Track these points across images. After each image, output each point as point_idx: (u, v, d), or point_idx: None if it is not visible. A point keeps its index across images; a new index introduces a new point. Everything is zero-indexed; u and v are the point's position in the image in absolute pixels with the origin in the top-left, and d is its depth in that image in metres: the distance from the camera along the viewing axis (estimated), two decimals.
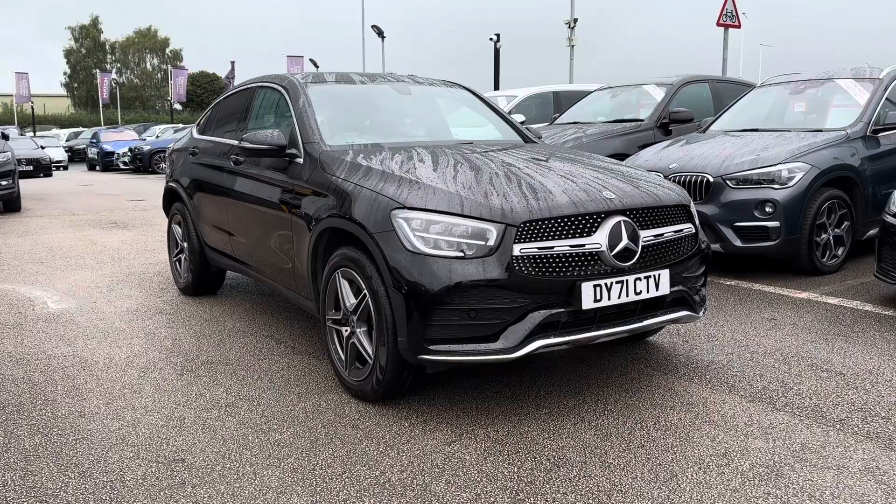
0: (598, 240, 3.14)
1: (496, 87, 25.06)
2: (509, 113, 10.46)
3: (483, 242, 3.04)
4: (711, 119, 7.46)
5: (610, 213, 3.20)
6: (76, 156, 34.30)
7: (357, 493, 2.59)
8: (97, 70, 63.38)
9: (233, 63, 41.72)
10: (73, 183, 20.17)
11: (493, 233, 3.04)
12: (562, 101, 10.97)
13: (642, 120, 8.28)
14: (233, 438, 3.07)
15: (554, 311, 3.08)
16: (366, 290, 3.27)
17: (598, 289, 3.11)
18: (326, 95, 4.47)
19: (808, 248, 5.70)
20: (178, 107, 56.35)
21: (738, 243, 5.68)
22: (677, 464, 2.77)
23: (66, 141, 37.63)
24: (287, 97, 4.39)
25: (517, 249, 3.02)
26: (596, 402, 3.38)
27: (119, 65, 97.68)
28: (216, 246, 5.16)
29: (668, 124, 8.17)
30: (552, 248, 3.07)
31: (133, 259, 7.45)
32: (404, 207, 3.15)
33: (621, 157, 7.31)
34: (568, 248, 3.09)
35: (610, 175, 3.57)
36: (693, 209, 3.65)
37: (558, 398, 3.44)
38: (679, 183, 5.94)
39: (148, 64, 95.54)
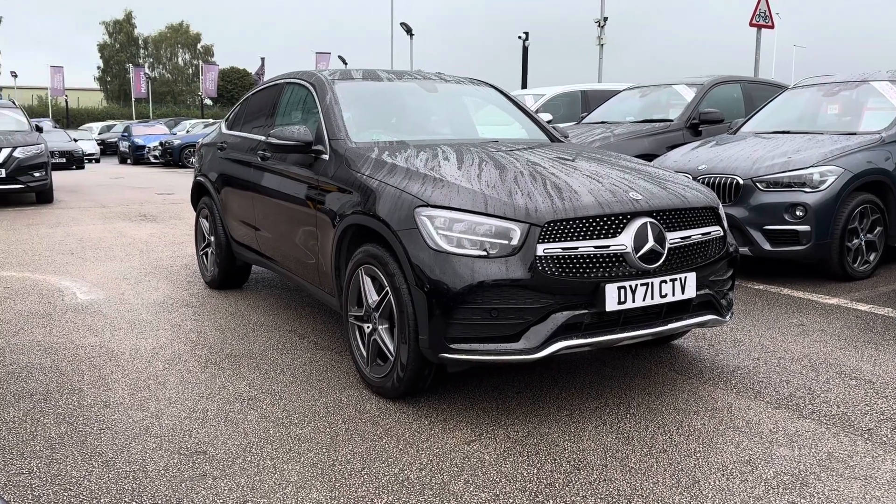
0: (624, 241, 3.11)
1: (524, 86, 24.96)
2: (536, 112, 10.44)
3: (507, 242, 3.02)
4: (742, 120, 7.36)
5: (636, 215, 3.17)
6: (108, 149, 34.77)
7: (375, 490, 2.60)
8: (130, 65, 64.18)
9: (262, 59, 42.07)
10: (105, 176, 20.47)
11: (516, 232, 3.02)
12: (590, 101, 10.90)
13: (672, 120, 8.19)
14: (254, 432, 3.08)
15: (577, 313, 3.05)
16: (388, 288, 3.27)
17: (622, 291, 3.08)
18: (353, 92, 4.48)
19: (838, 253, 5.60)
20: (208, 102, 56.86)
21: (767, 247, 5.60)
22: (700, 470, 2.74)
23: (99, 134, 38.18)
24: (314, 94, 4.41)
25: (541, 249, 3.00)
26: (618, 405, 3.35)
27: (151, 59, 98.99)
28: (242, 240, 5.20)
29: (699, 125, 8.07)
30: (576, 248, 3.04)
31: (161, 252, 7.54)
32: (428, 205, 3.14)
33: (650, 157, 7.24)
34: (592, 248, 3.06)
35: (637, 175, 3.54)
36: (721, 211, 3.59)
37: (580, 400, 3.42)
38: (708, 185, 5.87)
39: (180, 59, 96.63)
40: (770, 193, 5.59)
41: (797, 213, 5.49)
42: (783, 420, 3.17)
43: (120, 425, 3.16)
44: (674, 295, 3.23)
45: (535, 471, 2.73)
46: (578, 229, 3.07)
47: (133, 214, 10.82)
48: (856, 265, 5.75)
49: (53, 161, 23.27)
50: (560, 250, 3.02)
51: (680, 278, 3.24)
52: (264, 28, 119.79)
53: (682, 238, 3.30)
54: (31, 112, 55.02)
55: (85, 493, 2.60)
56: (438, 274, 3.02)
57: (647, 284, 3.14)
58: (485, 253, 3.02)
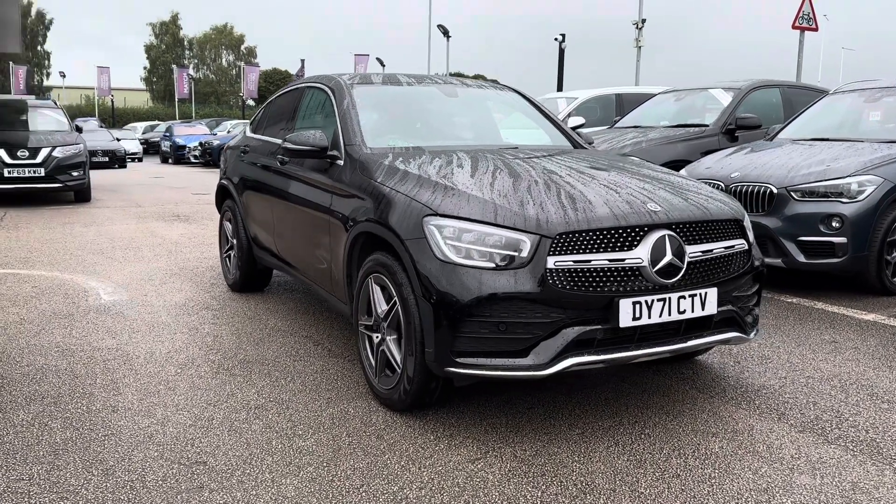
0: (640, 254, 2.99)
1: (560, 88, 24.74)
2: (569, 115, 10.29)
3: (516, 253, 2.92)
4: (780, 126, 7.13)
5: (654, 227, 3.04)
6: (151, 148, 35.40)
7: None
8: (174, 66, 65.34)
9: (302, 61, 42.44)
10: (145, 175, 20.81)
11: (526, 244, 2.92)
12: (625, 104, 10.69)
13: (707, 125, 7.98)
14: (257, 442, 3.03)
15: (589, 328, 2.94)
16: (396, 298, 3.20)
17: (637, 306, 2.96)
18: (372, 97, 4.42)
19: (876, 266, 5.37)
20: (251, 103, 57.62)
21: (801, 259, 5.39)
22: (713, 497, 2.60)
23: (143, 134, 38.90)
24: (332, 98, 4.36)
25: (551, 262, 2.89)
26: (633, 425, 3.23)
27: (196, 60, 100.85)
28: (262, 244, 5.18)
29: (735, 130, 7.85)
30: (589, 261, 2.93)
31: (189, 253, 7.59)
32: (437, 214, 3.06)
33: (682, 163, 7.05)
34: (606, 262, 2.95)
35: (658, 185, 3.41)
36: (747, 224, 3.44)
37: (594, 418, 3.30)
38: (740, 193, 5.68)
39: (223, 60, 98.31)
40: (805, 203, 5.39)
41: (833, 224, 5.27)
42: (807, 445, 3.02)
43: (125, 432, 3.14)
44: (693, 311, 3.09)
45: (540, 493, 2.63)
46: (592, 242, 2.95)
47: (167, 214, 10.94)
48: (895, 279, 5.51)
49: (96, 160, 23.84)
50: (572, 263, 2.91)
51: (700, 294, 3.10)
52: (305, 30, 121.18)
53: (702, 252, 3.16)
54: (79, 111, 56.45)
55: (81, 501, 2.57)
56: (445, 285, 2.93)
57: (664, 300, 3.01)
58: (493, 265, 2.93)
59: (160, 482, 2.71)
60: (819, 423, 3.24)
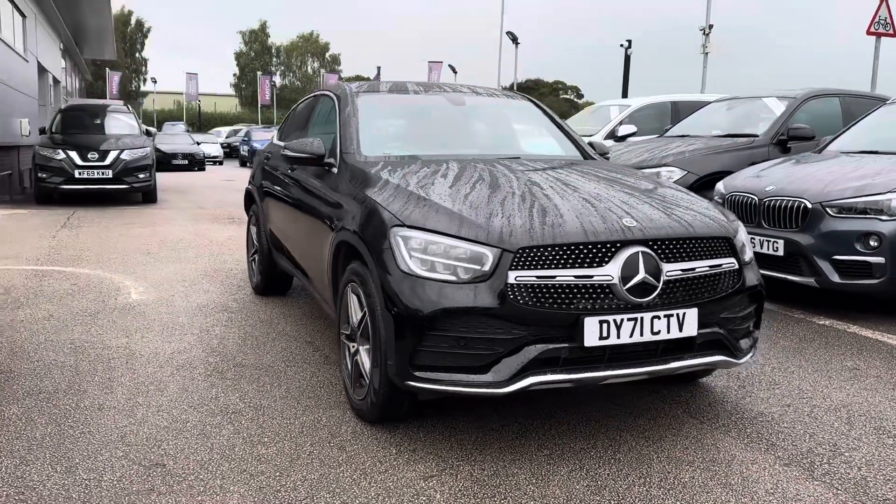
0: (611, 271, 2.87)
1: (625, 94, 24.22)
2: (620, 123, 10.06)
3: (479, 267, 2.85)
4: (831, 138, 6.75)
5: (627, 243, 2.91)
6: (234, 152, 36.61)
7: None
8: (258, 72, 67.48)
9: (378, 68, 43.09)
10: (218, 178, 21.53)
11: (489, 257, 2.84)
12: (680, 112, 10.37)
13: (757, 136, 7.64)
14: (220, 448, 3.06)
15: (552, 347, 2.84)
16: (366, 308, 3.17)
17: (605, 325, 2.84)
18: (376, 105, 4.42)
19: None
20: None
21: (835, 279, 5.07)
22: None
23: (226, 138, 40.26)
24: (337, 106, 4.38)
25: (512, 277, 2.81)
26: (606, 448, 3.09)
27: (283, 67, 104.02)
28: (278, 248, 5.26)
29: (787, 141, 7.48)
30: (553, 277, 2.83)
31: (229, 255, 7.78)
32: (404, 225, 3.02)
33: (727, 175, 6.76)
34: (572, 278, 2.84)
35: (644, 200, 3.26)
36: (740, 242, 3.25)
37: (568, 438, 3.18)
38: (774, 208, 5.41)
39: (309, 67, 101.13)
40: (841, 220, 5.07)
41: (871, 242, 4.94)
42: (787, 480, 2.82)
43: (101, 430, 3.22)
44: (669, 332, 2.94)
45: None
46: (558, 257, 2.85)
47: (223, 217, 11.26)
48: None
49: (176, 163, 24.86)
50: (534, 278, 2.82)
51: (678, 314, 2.95)
52: (384, 37, 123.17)
53: (682, 270, 3.00)
54: (170, 116, 58.98)
55: (34, 497, 2.65)
56: (407, 297, 2.89)
57: (635, 320, 2.88)
58: (455, 278, 2.86)
59: (115, 483, 2.76)
60: (809, 456, 3.03)
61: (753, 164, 6.91)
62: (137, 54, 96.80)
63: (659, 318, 2.92)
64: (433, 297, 2.84)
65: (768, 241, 5.41)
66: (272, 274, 5.64)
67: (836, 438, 3.21)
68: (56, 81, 24.52)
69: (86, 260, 7.42)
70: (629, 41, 24.32)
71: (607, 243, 2.89)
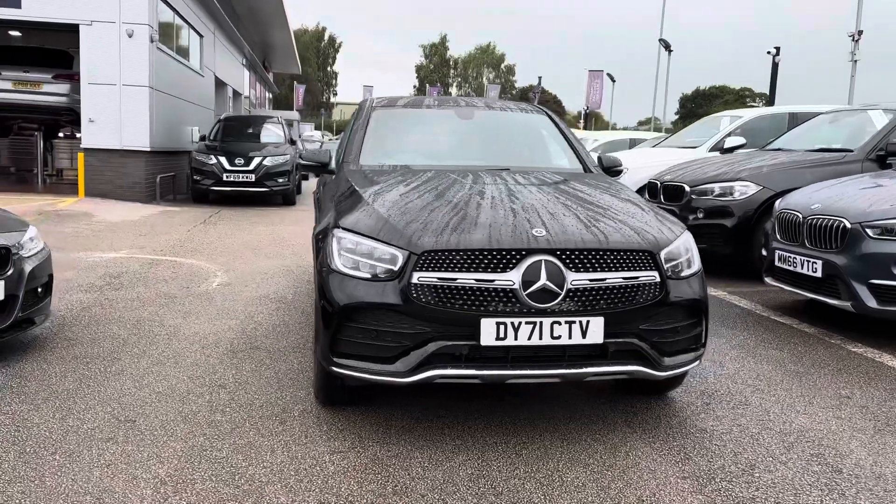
0: (513, 277, 3.06)
1: (771, 102, 22.70)
2: (728, 135, 9.71)
3: (392, 267, 3.15)
4: None
5: (532, 252, 3.08)
6: None
7: (152, 485, 2.92)
8: (427, 84, 70.05)
9: (539, 78, 43.43)
10: None
11: (399, 258, 3.13)
12: (798, 124, 9.79)
13: (851, 150, 7.16)
14: (186, 413, 3.55)
15: (452, 343, 3.07)
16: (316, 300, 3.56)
17: (501, 327, 3.03)
18: (389, 118, 4.80)
19: None
20: None
21: (872, 304, 4.76)
22: None
23: None
24: (354, 118, 4.82)
25: (416, 277, 3.08)
26: (515, 446, 3.25)
27: (459, 79, 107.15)
28: None
29: (886, 157, 6.95)
30: (454, 279, 3.06)
31: None
32: (341, 228, 3.38)
33: None
34: (473, 281, 3.06)
35: (577, 213, 3.39)
36: (666, 256, 3.28)
37: (484, 433, 3.37)
38: (814, 227, 5.16)
39: (484, 78, 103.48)
40: (881, 242, 4.75)
41: None
42: (672, 491, 2.85)
43: (108, 391, 3.84)
44: (571, 338, 3.07)
45: (358, 488, 2.85)
46: (461, 261, 3.08)
47: None
48: None
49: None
50: (436, 280, 3.07)
51: (580, 322, 3.07)
52: (556, 48, 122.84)
53: (591, 280, 3.12)
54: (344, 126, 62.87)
55: (28, 434, 3.27)
56: (331, 291, 3.24)
57: (533, 324, 3.04)
58: (370, 276, 3.18)
59: (89, 431, 3.32)
60: (716, 473, 3.02)
61: None
62: (329, 68, 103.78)
63: (560, 323, 3.06)
64: (351, 293, 3.18)
65: (808, 262, 5.17)
66: None
67: (759, 460, 3.15)
68: (237, 94, 27.12)
69: (199, 252, 8.42)
70: (777, 48, 22.82)
71: (512, 251, 3.08)
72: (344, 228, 3.36)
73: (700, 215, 7.23)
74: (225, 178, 13.52)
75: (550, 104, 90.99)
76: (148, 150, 13.75)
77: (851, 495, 2.86)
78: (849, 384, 4.14)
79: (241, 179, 13.54)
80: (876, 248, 4.76)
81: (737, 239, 6.98)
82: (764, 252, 5.89)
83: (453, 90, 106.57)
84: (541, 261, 3.06)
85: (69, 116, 14.42)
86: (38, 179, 16.69)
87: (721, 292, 6.67)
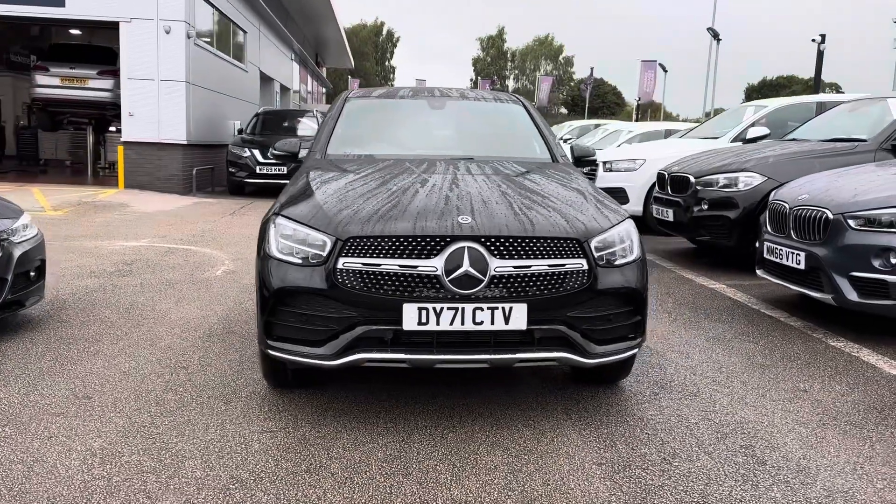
0: (436, 264, 3.11)
1: (816, 90, 21.86)
2: (752, 125, 9.49)
3: (321, 253, 3.23)
4: None
5: (456, 238, 3.12)
6: None
7: (79, 460, 3.07)
8: (479, 77, 70.01)
9: (592, 69, 42.85)
10: None
11: (327, 244, 3.21)
12: None
13: (864, 140, 6.92)
14: (140, 390, 3.72)
15: (376, 328, 3.14)
16: None
17: (423, 312, 3.09)
18: (362, 109, 4.89)
19: None
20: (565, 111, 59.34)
21: (853, 297, 4.63)
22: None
23: None
24: (329, 108, 4.92)
25: (341, 262, 3.16)
26: (438, 427, 3.31)
27: (517, 71, 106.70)
28: None
29: None
30: (379, 265, 3.13)
31: None
32: (280, 215, 3.48)
33: None
34: (397, 267, 3.12)
35: (509, 201, 3.41)
36: (597, 245, 3.27)
37: (417, 417, 3.43)
38: (798, 218, 5.03)
39: (542, 70, 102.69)
40: (862, 233, 4.61)
41: (891, 259, 4.45)
42: (579, 477, 2.87)
43: (77, 370, 4.04)
44: (493, 324, 3.11)
45: (274, 466, 2.95)
46: (385, 247, 3.14)
47: None
48: None
49: None
50: (360, 265, 3.14)
51: (503, 308, 3.10)
52: (614, 37, 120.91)
53: (515, 267, 3.14)
54: None
55: None
56: (265, 276, 3.34)
57: (455, 309, 3.09)
58: (300, 261, 3.27)
59: (45, 405, 3.52)
60: (634, 460, 3.01)
61: None
62: (387, 62, 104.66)
63: (482, 309, 3.10)
64: (283, 277, 3.27)
65: (792, 254, 5.05)
66: None
67: (684, 450, 3.13)
68: (285, 88, 27.65)
69: (216, 241, 8.68)
70: (822, 36, 21.91)
71: (437, 237, 3.13)
72: (282, 216, 3.46)
73: (704, 207, 7.09)
74: (258, 171, 13.85)
75: (609, 95, 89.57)
76: (184, 143, 14.19)
77: (765, 487, 2.82)
78: (811, 378, 4.05)
79: (273, 172, 13.85)
80: (857, 240, 4.62)
81: (741, 231, 6.83)
82: (757, 244, 5.77)
83: (510, 83, 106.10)
84: (464, 247, 3.10)
85: (114, 111, 14.97)
86: (89, 172, 17.39)
87: (720, 285, 6.55)
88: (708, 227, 7.13)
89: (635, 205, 9.88)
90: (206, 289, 6.10)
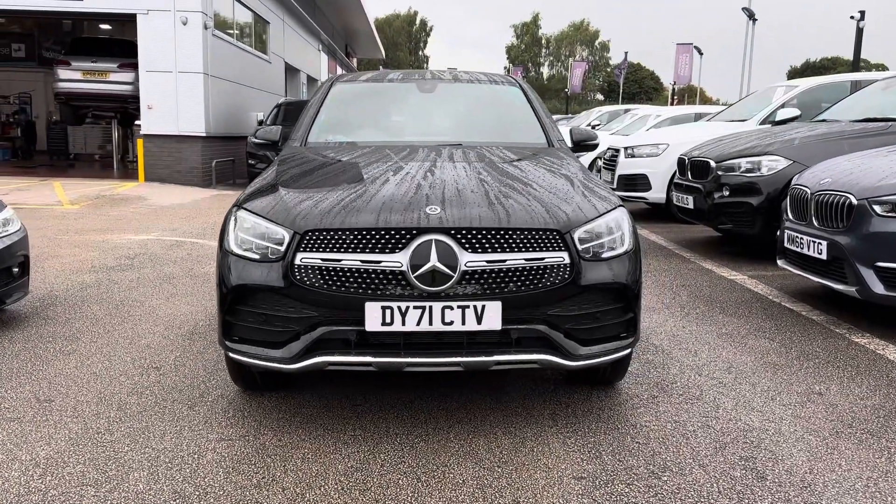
0: (401, 259, 2.84)
1: (855, 69, 20.95)
2: (782, 106, 9.02)
3: (280, 248, 2.99)
4: None
5: (424, 231, 2.86)
6: None
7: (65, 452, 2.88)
8: (510, 64, 69.43)
9: (626, 54, 41.92)
10: None
11: (286, 239, 2.97)
12: None
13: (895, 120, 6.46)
14: (106, 391, 3.53)
15: (338, 329, 2.90)
16: None
17: (387, 311, 2.83)
18: (348, 93, 4.63)
19: None
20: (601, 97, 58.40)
21: (878, 289, 4.25)
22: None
23: None
24: (314, 93, 4.67)
25: (298, 258, 2.91)
26: (409, 435, 3.06)
27: (552, 58, 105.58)
28: None
29: None
30: (339, 261, 2.88)
31: None
32: (240, 207, 3.24)
33: None
34: (359, 263, 2.87)
35: (487, 189, 3.13)
36: (580, 237, 2.97)
37: (391, 423, 3.19)
38: (820, 204, 4.65)
39: (578, 55, 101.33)
40: (889, 220, 4.22)
41: None
42: (556, 492, 2.60)
43: (51, 368, 3.87)
44: (464, 324, 2.84)
45: (223, 479, 2.73)
46: (347, 241, 2.89)
47: None
48: None
49: None
50: (320, 261, 2.89)
51: (475, 306, 2.83)
52: (651, 21, 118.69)
53: (488, 262, 2.86)
54: None
55: None
56: (224, 272, 3.11)
57: (422, 308, 2.82)
58: (258, 257, 3.03)
59: (14, 402, 3.36)
60: (617, 471, 2.72)
61: None
62: (420, 52, 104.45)
63: (452, 308, 2.83)
64: (240, 274, 3.04)
65: (814, 243, 4.67)
66: None
67: (676, 462, 2.83)
68: (312, 79, 27.53)
69: None
70: (861, 12, 20.93)
71: (402, 230, 2.87)
72: (244, 209, 3.22)
73: (726, 193, 6.70)
74: None
75: (647, 80, 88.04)
76: (203, 135, 14.11)
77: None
78: (828, 379, 3.70)
79: None
80: (883, 227, 4.24)
81: (764, 218, 6.43)
82: (779, 232, 5.39)
83: (544, 70, 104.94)
84: (431, 240, 2.83)
85: (135, 104, 14.96)
86: (115, 166, 17.47)
87: (741, 276, 6.17)
88: (729, 214, 6.74)
89: (658, 192, 9.49)
90: (201, 284, 5.93)
